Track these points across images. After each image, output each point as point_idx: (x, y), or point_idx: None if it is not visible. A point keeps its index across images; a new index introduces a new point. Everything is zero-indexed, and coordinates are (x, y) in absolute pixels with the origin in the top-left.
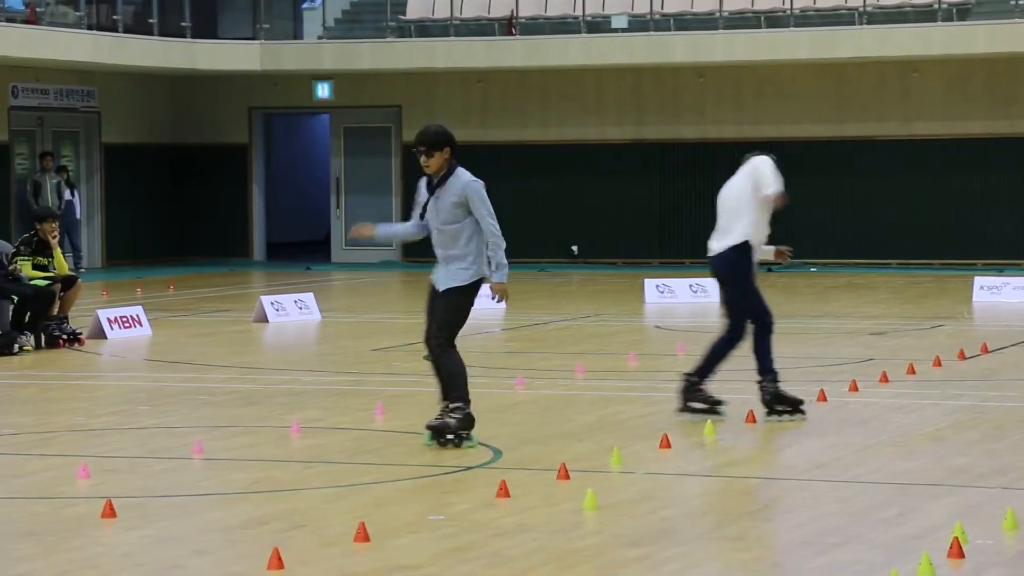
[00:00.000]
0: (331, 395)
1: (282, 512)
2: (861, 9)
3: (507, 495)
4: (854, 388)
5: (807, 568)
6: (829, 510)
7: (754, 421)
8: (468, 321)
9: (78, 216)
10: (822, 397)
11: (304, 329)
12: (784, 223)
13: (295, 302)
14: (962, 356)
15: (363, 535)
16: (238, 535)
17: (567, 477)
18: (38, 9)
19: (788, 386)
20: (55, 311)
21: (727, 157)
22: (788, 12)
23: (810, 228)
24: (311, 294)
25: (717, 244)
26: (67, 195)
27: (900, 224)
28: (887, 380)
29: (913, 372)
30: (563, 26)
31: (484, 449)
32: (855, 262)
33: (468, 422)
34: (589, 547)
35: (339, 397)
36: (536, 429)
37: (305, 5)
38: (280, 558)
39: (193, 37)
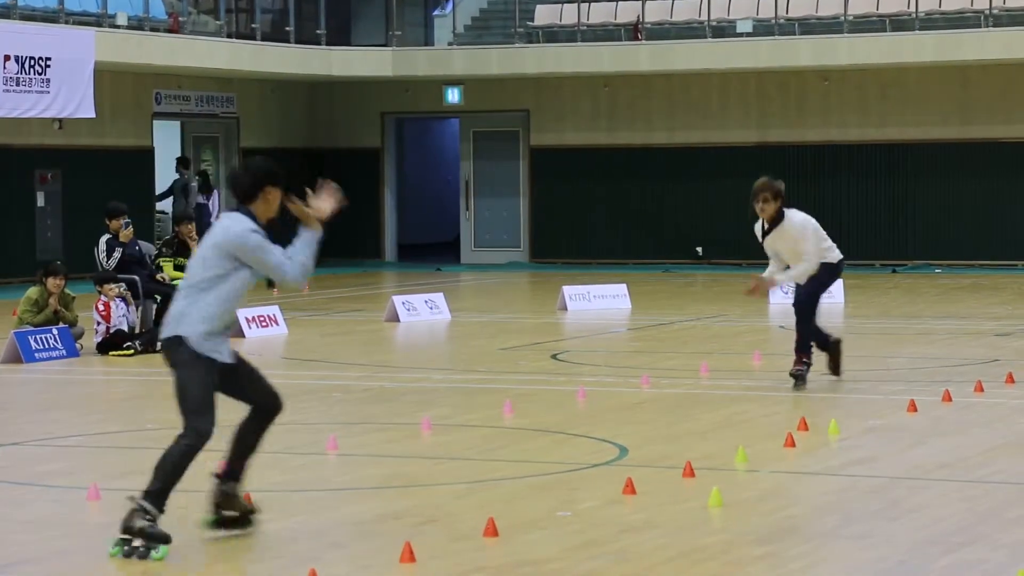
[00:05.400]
0: (460, 393)
1: (414, 507)
2: (987, 12)
3: (633, 492)
4: (979, 389)
5: (933, 567)
6: (955, 510)
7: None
8: (595, 321)
9: (213, 218)
10: (947, 398)
11: (434, 328)
12: (910, 225)
13: (426, 302)
14: None
15: (492, 530)
16: (372, 529)
17: (693, 475)
18: (180, 18)
19: (914, 386)
20: None
21: (851, 160)
22: (913, 15)
23: (934, 230)
24: (441, 294)
25: None
26: (200, 198)
27: None
28: (1013, 381)
29: None
30: (688, 31)
31: (611, 447)
32: (980, 263)
33: (160, 534)
34: (715, 544)
35: (468, 395)
36: (661, 427)
37: (436, 12)
38: (412, 552)
39: (328, 45)
